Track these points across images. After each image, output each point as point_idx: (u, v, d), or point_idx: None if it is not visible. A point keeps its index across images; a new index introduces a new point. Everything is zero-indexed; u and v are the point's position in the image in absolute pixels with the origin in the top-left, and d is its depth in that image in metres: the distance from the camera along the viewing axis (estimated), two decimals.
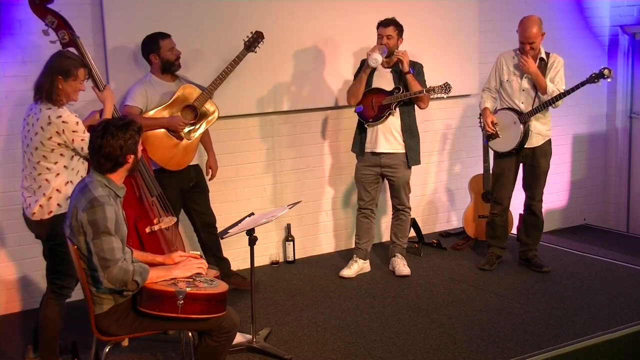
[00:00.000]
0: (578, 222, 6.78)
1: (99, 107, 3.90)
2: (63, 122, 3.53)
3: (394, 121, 4.99)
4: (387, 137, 5.01)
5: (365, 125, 5.04)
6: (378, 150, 5.04)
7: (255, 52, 4.70)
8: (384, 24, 4.97)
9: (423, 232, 5.94)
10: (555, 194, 6.62)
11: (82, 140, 3.57)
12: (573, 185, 6.75)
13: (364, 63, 5.03)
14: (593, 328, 4.19)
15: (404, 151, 5.04)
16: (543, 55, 4.96)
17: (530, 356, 3.81)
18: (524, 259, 5.34)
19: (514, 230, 5.79)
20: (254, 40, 4.66)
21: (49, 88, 3.56)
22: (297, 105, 5.47)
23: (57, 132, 3.53)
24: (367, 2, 5.54)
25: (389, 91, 4.95)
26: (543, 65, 4.95)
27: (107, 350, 3.19)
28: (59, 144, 3.56)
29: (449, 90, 4.80)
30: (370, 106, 4.99)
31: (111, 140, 3.02)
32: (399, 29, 4.96)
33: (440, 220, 6.34)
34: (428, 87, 4.88)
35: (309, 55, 5.44)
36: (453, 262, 5.50)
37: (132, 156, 3.11)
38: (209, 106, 4.58)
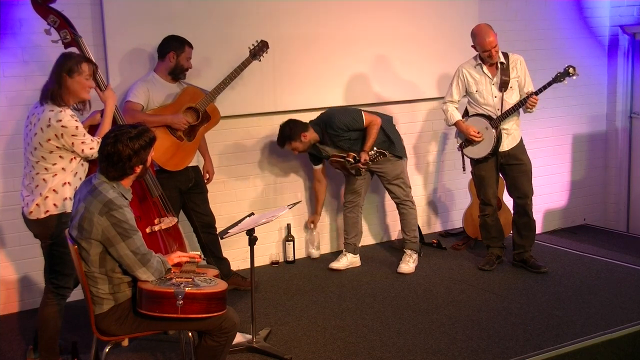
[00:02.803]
0: (578, 222, 6.77)
1: (100, 107, 3.90)
2: (62, 126, 3.52)
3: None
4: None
5: (356, 177, 5.13)
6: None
7: (260, 61, 4.75)
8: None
9: (423, 232, 5.94)
10: (555, 194, 6.62)
11: (82, 143, 3.57)
12: (573, 185, 6.75)
13: None
14: (593, 328, 4.19)
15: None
16: (502, 59, 4.98)
17: (530, 356, 3.81)
18: (519, 260, 5.30)
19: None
20: (259, 49, 4.75)
21: (56, 89, 3.55)
22: (297, 105, 5.47)
23: (55, 135, 3.53)
24: (368, 3, 5.54)
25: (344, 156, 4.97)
26: (504, 68, 4.97)
27: (107, 350, 3.20)
28: (57, 147, 3.56)
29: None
30: (344, 167, 5.03)
31: (121, 149, 3.03)
32: (292, 138, 4.95)
33: (440, 220, 6.34)
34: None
35: (309, 55, 5.43)
36: (453, 262, 5.50)
37: (141, 167, 3.13)
38: (211, 109, 4.58)
